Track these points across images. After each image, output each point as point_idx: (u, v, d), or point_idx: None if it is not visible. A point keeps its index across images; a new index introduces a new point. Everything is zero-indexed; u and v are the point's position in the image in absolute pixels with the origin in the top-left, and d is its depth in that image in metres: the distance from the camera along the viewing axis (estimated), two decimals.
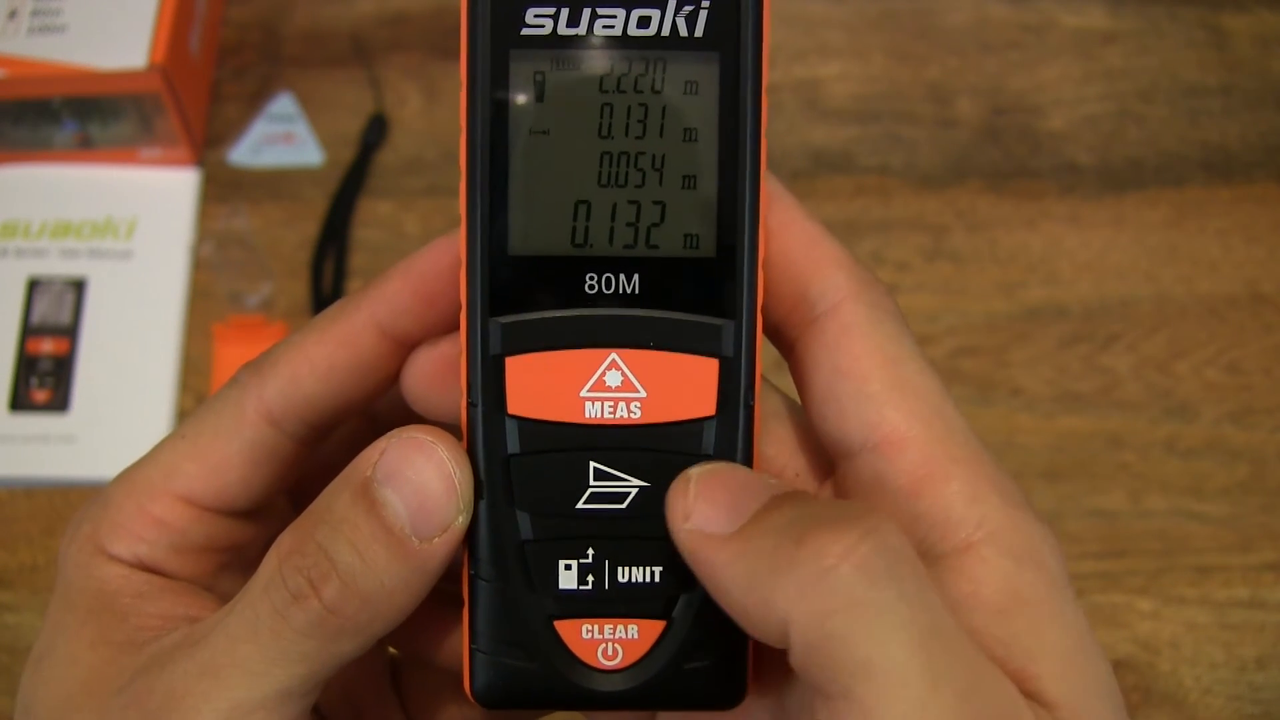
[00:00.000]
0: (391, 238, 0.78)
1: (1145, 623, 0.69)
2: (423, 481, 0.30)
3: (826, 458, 0.33)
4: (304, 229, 0.78)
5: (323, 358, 0.33)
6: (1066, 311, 0.76)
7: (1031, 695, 0.28)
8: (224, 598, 0.33)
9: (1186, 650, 0.68)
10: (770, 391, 0.33)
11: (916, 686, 0.26)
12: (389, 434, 0.30)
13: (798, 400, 0.33)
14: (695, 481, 0.29)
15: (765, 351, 0.32)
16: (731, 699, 0.31)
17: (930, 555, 0.30)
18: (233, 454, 0.34)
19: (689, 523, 0.29)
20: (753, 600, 0.27)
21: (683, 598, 0.31)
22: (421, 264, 0.33)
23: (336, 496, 0.30)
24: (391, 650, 0.40)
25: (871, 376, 0.30)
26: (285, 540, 0.30)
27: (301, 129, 0.81)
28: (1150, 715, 0.66)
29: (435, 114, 0.82)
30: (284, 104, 0.82)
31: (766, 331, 0.32)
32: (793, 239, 0.32)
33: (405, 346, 0.33)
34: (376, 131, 0.81)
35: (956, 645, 0.27)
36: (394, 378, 0.34)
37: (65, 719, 0.31)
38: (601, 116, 0.30)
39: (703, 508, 0.29)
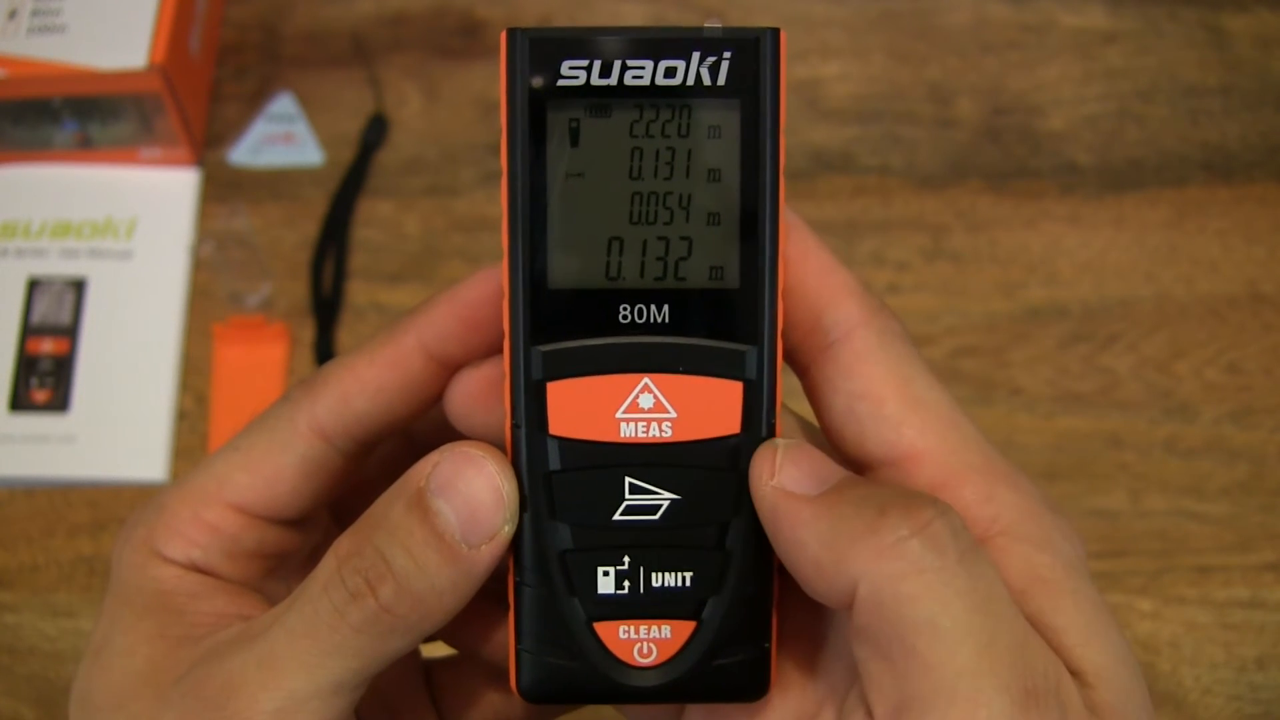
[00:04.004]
0: (391, 238, 0.79)
1: (1145, 623, 0.69)
2: (472, 493, 0.32)
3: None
4: (304, 229, 0.79)
5: (372, 378, 0.36)
6: (1066, 311, 0.77)
7: None
8: (271, 600, 0.36)
9: (1186, 650, 0.68)
10: (785, 411, 0.36)
11: (973, 644, 0.29)
12: (442, 448, 0.33)
13: (809, 419, 0.36)
14: (784, 447, 0.33)
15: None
16: (757, 691, 0.34)
17: None
18: (284, 466, 0.36)
19: (775, 480, 0.32)
20: (828, 556, 0.30)
21: (711, 600, 0.34)
22: (466, 293, 0.36)
23: (392, 504, 0.33)
24: (424, 655, 0.42)
25: (887, 398, 0.33)
26: (343, 544, 0.33)
27: (301, 129, 0.81)
28: None
29: (435, 114, 0.82)
30: (284, 104, 0.82)
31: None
32: (808, 269, 0.34)
33: (449, 369, 0.36)
34: (376, 131, 0.81)
35: (1008, 611, 0.30)
36: (437, 398, 0.37)
37: (124, 707, 0.34)
38: (632, 160, 0.33)
39: (790, 469, 0.32)
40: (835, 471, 0.32)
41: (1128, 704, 0.31)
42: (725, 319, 0.33)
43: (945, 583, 0.29)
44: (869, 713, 0.30)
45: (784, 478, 0.32)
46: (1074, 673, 0.31)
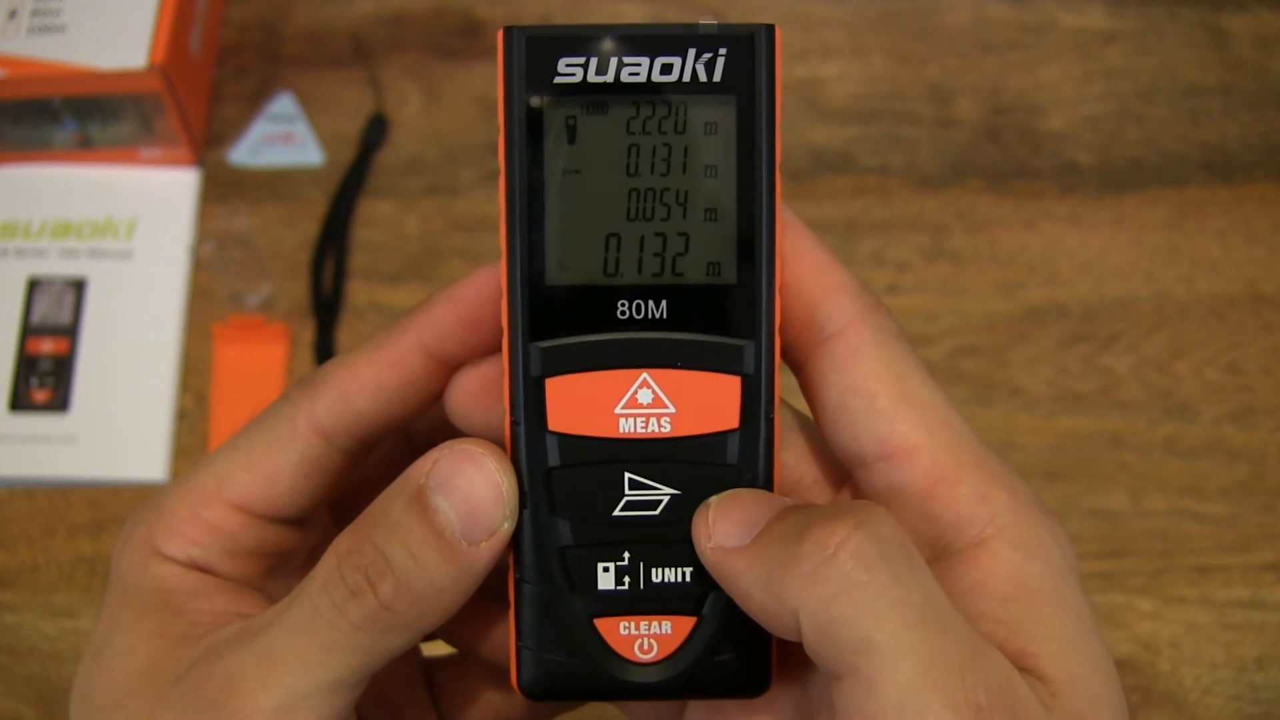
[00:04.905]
0: (391, 238, 0.79)
1: (1145, 623, 0.69)
2: (472, 490, 0.32)
3: (839, 466, 0.36)
4: (304, 229, 0.79)
5: (371, 377, 0.36)
6: (1066, 311, 0.77)
7: (1030, 671, 0.31)
8: (271, 598, 0.36)
9: (1186, 650, 0.68)
10: (783, 406, 0.36)
11: (914, 658, 0.28)
12: (441, 445, 0.33)
13: (807, 413, 0.36)
14: (714, 506, 0.33)
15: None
16: (758, 687, 0.34)
17: (946, 552, 0.33)
18: (284, 465, 0.36)
19: (711, 541, 0.32)
20: (769, 599, 0.30)
21: (711, 595, 0.34)
22: (465, 291, 0.36)
23: (392, 502, 0.33)
24: (425, 654, 0.42)
25: (880, 393, 0.33)
26: (343, 541, 0.33)
27: (301, 129, 0.81)
28: (1150, 715, 0.67)
29: (435, 114, 0.82)
30: (284, 104, 0.82)
31: None
32: (803, 265, 0.35)
33: (448, 368, 0.36)
34: (376, 131, 0.81)
35: (950, 621, 0.29)
36: (437, 396, 0.37)
37: (124, 705, 0.34)
38: (629, 156, 0.33)
39: (722, 526, 0.32)
40: (767, 510, 0.32)
41: (1100, 714, 0.31)
42: (723, 314, 0.33)
43: (875, 597, 0.29)
44: None
45: (719, 535, 0.32)
46: (1043, 679, 0.31)
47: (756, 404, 0.33)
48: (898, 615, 0.28)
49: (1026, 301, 0.77)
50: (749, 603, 0.31)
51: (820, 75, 0.84)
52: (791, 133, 0.81)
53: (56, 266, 0.77)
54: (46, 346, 0.75)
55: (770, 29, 0.33)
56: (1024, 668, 0.31)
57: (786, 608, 0.30)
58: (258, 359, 0.76)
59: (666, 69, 0.33)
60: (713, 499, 0.33)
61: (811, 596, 0.29)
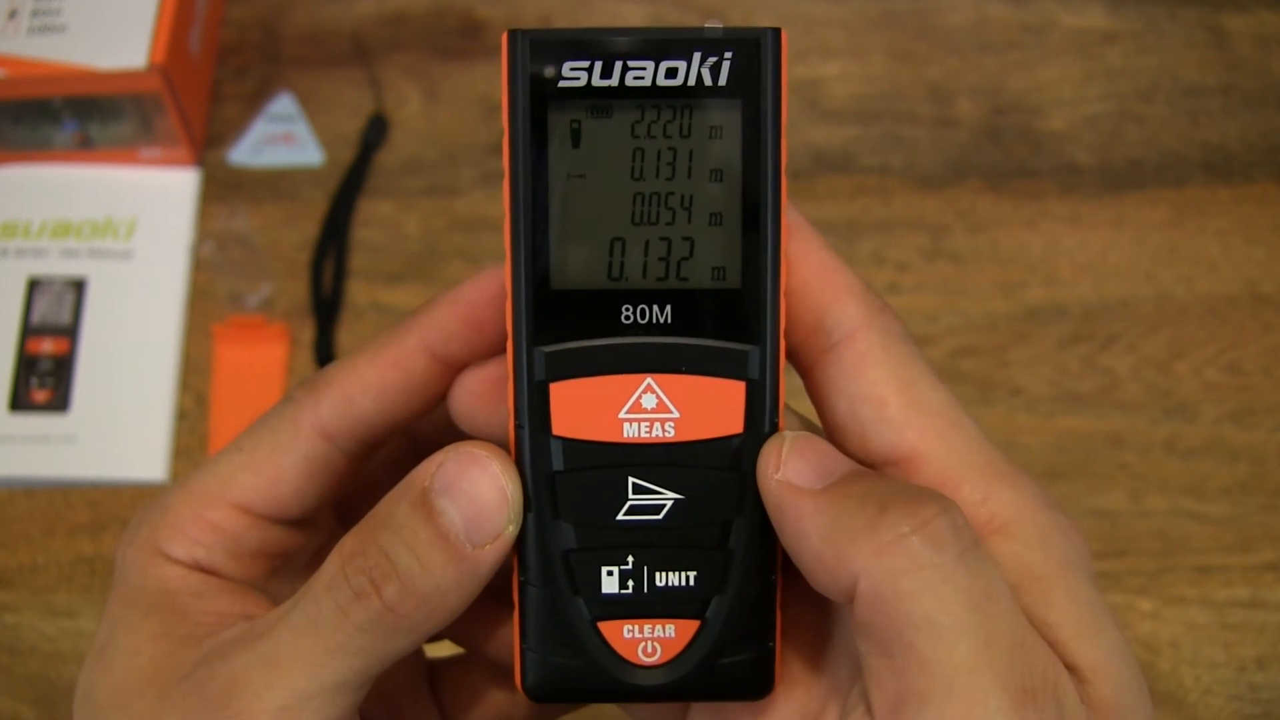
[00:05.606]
0: (391, 238, 0.79)
1: (1145, 623, 0.69)
2: (477, 493, 0.32)
3: None
4: (304, 229, 0.79)
5: (375, 378, 0.36)
6: (1066, 311, 0.77)
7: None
8: (275, 599, 0.36)
9: (1186, 650, 0.69)
10: (788, 411, 0.36)
11: (970, 641, 0.29)
12: (446, 448, 0.33)
13: (809, 415, 0.36)
14: (790, 441, 0.33)
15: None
16: (761, 690, 0.34)
17: None
18: (288, 466, 0.37)
19: (780, 473, 0.32)
20: (830, 550, 0.31)
21: (715, 599, 0.34)
22: (469, 293, 0.36)
23: (397, 504, 0.33)
24: (428, 654, 0.42)
25: (889, 400, 0.33)
26: (348, 543, 0.33)
27: (301, 129, 0.81)
28: None
29: (435, 114, 0.82)
30: (284, 104, 0.82)
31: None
32: (811, 269, 0.34)
33: (452, 369, 0.36)
34: (376, 131, 0.81)
35: (1008, 609, 0.30)
36: (440, 397, 0.37)
37: (128, 706, 0.34)
38: (634, 160, 0.33)
39: (795, 462, 0.32)
40: (841, 464, 0.32)
41: (1125, 697, 0.31)
42: (728, 319, 0.33)
43: (944, 580, 0.29)
44: (869, 708, 0.31)
45: (789, 471, 0.32)
46: (1070, 668, 0.31)
47: (761, 409, 0.33)
48: (960, 599, 0.29)
49: (1026, 301, 0.77)
50: (804, 544, 0.31)
51: (820, 75, 0.84)
52: (792, 133, 0.80)
53: (56, 266, 0.77)
54: (46, 346, 0.75)
55: (776, 32, 0.33)
56: None
57: (847, 565, 0.30)
58: (258, 359, 0.76)
59: (671, 73, 0.33)
60: (787, 433, 0.33)
61: (881, 566, 0.29)
